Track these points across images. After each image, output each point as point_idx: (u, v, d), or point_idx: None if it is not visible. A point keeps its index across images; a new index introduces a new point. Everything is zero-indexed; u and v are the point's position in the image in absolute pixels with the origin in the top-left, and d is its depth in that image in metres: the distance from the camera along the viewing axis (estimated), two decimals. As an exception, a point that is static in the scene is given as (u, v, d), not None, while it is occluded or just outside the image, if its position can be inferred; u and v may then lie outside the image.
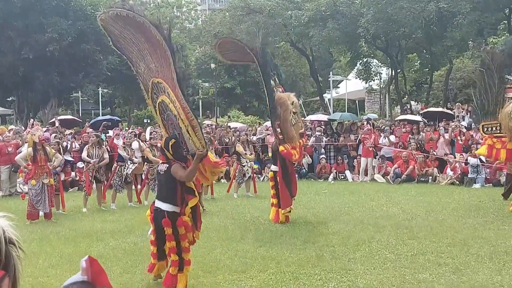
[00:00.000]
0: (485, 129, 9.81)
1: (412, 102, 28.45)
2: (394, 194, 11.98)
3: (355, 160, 15.70)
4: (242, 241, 7.48)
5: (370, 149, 15.04)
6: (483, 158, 12.87)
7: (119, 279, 5.74)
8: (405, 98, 27.87)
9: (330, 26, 21.06)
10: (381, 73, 29.69)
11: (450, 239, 7.32)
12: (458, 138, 14.62)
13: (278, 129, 8.55)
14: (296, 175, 11.62)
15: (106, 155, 10.92)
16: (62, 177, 11.61)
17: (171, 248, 5.21)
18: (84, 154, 10.72)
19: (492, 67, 9.74)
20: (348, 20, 21.07)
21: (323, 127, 17.83)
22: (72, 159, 13.71)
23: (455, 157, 14.19)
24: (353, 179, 15.09)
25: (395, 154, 15.03)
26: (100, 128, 16.07)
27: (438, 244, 7.01)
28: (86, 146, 11.02)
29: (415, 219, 8.89)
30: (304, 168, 15.75)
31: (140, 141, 11.62)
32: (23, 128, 16.84)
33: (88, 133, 14.34)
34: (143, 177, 11.36)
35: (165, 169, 5.32)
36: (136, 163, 11.09)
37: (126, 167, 10.95)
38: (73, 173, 13.70)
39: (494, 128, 9.62)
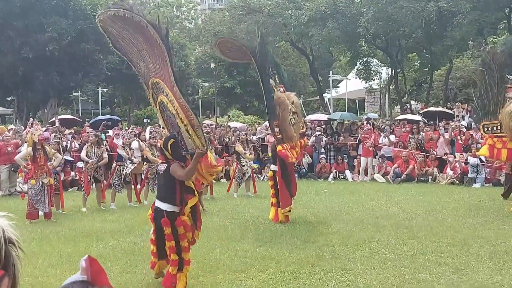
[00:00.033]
0: (486, 129, 9.82)
1: (412, 102, 28.38)
2: (394, 193, 11.98)
3: (355, 159, 15.71)
4: (242, 241, 7.48)
5: (370, 148, 15.04)
6: (483, 158, 12.87)
7: (119, 278, 5.74)
8: (405, 98, 27.84)
9: (330, 25, 21.04)
10: (381, 73, 29.66)
11: (450, 238, 7.32)
12: (458, 137, 14.63)
13: (277, 129, 8.49)
14: (296, 175, 11.63)
15: (105, 155, 10.89)
16: (62, 176, 11.61)
17: (171, 247, 5.21)
18: (83, 154, 10.71)
19: (492, 66, 9.75)
20: (348, 20, 21.05)
21: (323, 126, 17.83)
22: (72, 159, 13.72)
23: (455, 157, 14.19)
24: (353, 179, 15.09)
25: (395, 154, 15.02)
26: (99, 128, 16.09)
27: (438, 244, 7.00)
28: (85, 145, 11.01)
29: (415, 218, 8.89)
30: (304, 168, 15.75)
31: (139, 140, 11.63)
32: (23, 128, 16.83)
33: (88, 132, 14.34)
34: (143, 176, 11.38)
35: (165, 169, 5.32)
36: (135, 163, 11.09)
37: (125, 167, 10.95)
38: (72, 173, 13.70)
39: (494, 128, 9.64)
